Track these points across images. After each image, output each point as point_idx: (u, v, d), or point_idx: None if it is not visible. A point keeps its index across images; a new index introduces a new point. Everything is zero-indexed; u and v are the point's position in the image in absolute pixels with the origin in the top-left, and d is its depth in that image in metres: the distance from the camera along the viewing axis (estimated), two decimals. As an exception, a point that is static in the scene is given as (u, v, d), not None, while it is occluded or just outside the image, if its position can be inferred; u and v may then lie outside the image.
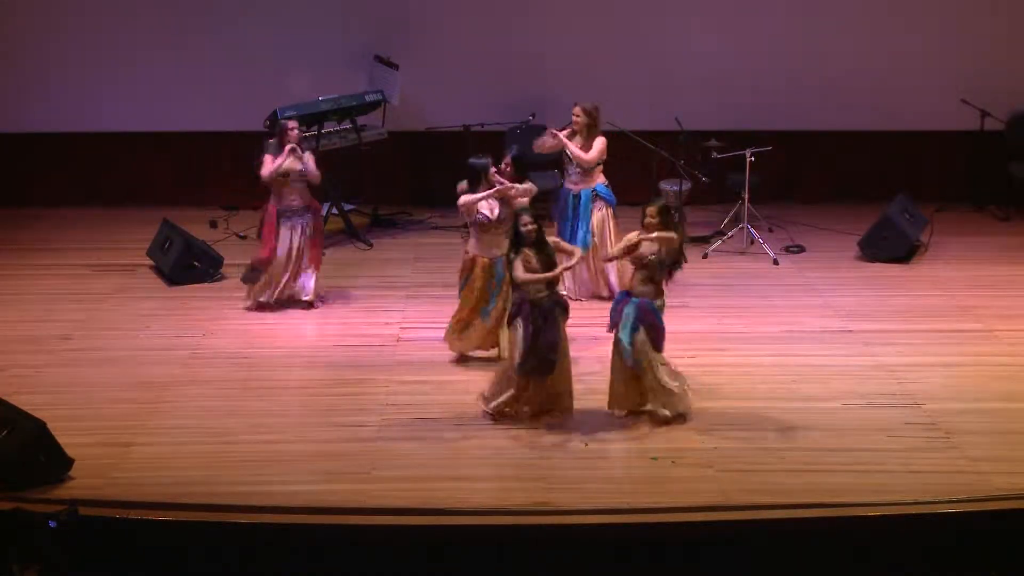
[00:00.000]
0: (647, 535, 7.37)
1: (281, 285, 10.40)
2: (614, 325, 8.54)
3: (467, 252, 9.43)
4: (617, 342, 8.48)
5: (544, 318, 8.36)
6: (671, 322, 10.25)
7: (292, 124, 10.44)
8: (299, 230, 10.36)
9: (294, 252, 10.36)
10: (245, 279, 10.54)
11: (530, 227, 8.38)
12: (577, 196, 10.65)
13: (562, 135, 10.55)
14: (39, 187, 13.39)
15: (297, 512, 7.47)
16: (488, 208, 9.26)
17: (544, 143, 10.66)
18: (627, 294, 8.59)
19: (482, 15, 13.10)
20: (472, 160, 9.41)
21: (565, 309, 8.53)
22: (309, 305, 10.47)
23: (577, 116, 10.57)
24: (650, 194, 12.01)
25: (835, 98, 13.10)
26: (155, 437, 8.38)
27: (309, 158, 10.36)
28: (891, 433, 8.41)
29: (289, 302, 10.47)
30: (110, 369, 9.42)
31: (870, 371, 9.31)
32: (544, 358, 8.37)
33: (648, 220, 8.44)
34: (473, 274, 9.30)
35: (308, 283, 10.48)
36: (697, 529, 7.40)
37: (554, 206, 10.90)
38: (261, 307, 10.45)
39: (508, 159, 9.69)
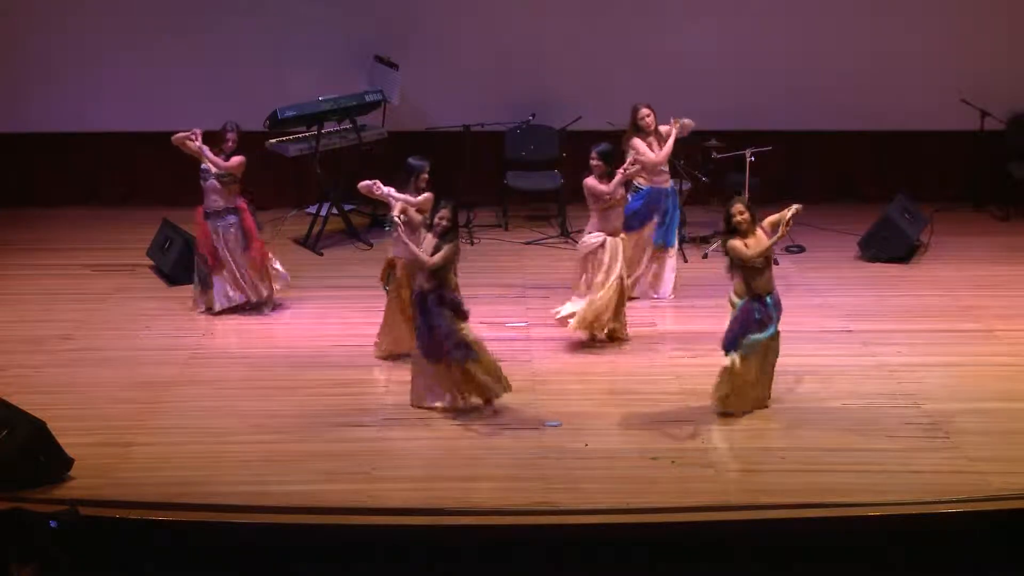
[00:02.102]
0: (647, 535, 7.37)
1: (224, 289, 10.32)
2: (761, 328, 8.49)
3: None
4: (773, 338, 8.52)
5: (431, 311, 8.48)
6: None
7: (229, 134, 10.25)
8: (223, 233, 10.26)
9: (226, 255, 10.28)
10: (200, 283, 10.45)
11: (445, 222, 8.46)
12: (669, 193, 10.72)
13: (649, 153, 10.50)
14: (39, 187, 13.39)
15: (297, 512, 7.47)
16: (399, 211, 9.13)
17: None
18: (755, 300, 8.50)
19: (482, 15, 13.10)
20: (412, 160, 9.36)
21: (456, 310, 8.54)
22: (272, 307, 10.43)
23: (649, 116, 10.57)
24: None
25: (835, 98, 13.10)
26: (155, 437, 8.38)
27: (233, 161, 10.21)
28: (891, 433, 8.41)
29: (248, 307, 10.40)
30: (110, 369, 9.42)
31: (870, 371, 9.31)
32: (440, 344, 8.50)
33: (740, 219, 8.39)
34: (396, 276, 9.34)
35: (258, 286, 10.40)
36: (697, 529, 7.40)
37: (639, 206, 10.72)
38: (210, 312, 10.37)
39: (595, 155, 9.71)
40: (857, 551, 7.44)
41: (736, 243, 8.39)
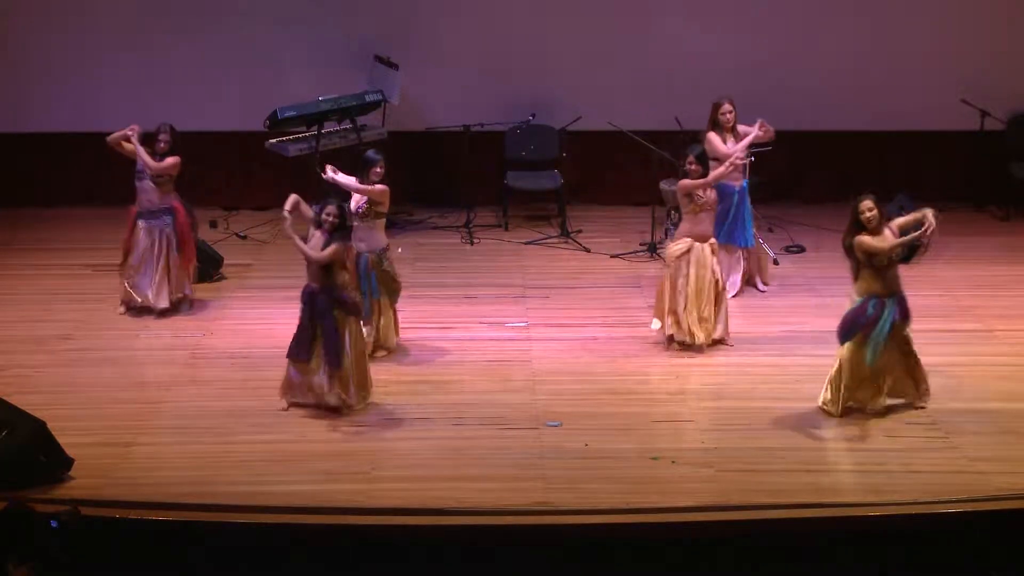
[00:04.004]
0: (647, 535, 7.37)
1: (135, 288, 10.33)
2: (862, 330, 8.48)
3: None
4: (876, 344, 8.48)
5: (320, 310, 8.53)
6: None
7: (161, 135, 10.26)
8: (157, 233, 10.30)
9: (152, 255, 10.28)
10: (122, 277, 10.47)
11: (332, 218, 8.52)
12: (737, 191, 10.65)
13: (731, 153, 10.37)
14: (39, 187, 13.38)
15: (297, 512, 7.47)
16: (355, 202, 9.36)
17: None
18: (874, 298, 8.51)
19: (482, 15, 13.09)
20: (369, 153, 9.53)
21: (347, 308, 8.62)
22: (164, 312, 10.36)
23: (730, 112, 10.57)
24: (650, 194, 12.09)
25: (835, 98, 13.09)
26: (155, 437, 8.39)
27: (167, 162, 10.24)
28: (891, 433, 8.42)
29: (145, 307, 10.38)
30: (110, 369, 9.43)
31: (870, 371, 9.31)
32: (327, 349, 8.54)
33: (868, 215, 8.39)
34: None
35: (185, 285, 10.44)
36: (697, 529, 7.41)
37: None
38: (130, 309, 10.38)
39: (692, 158, 9.66)
40: (857, 551, 7.44)
41: (864, 237, 8.34)
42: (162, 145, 10.26)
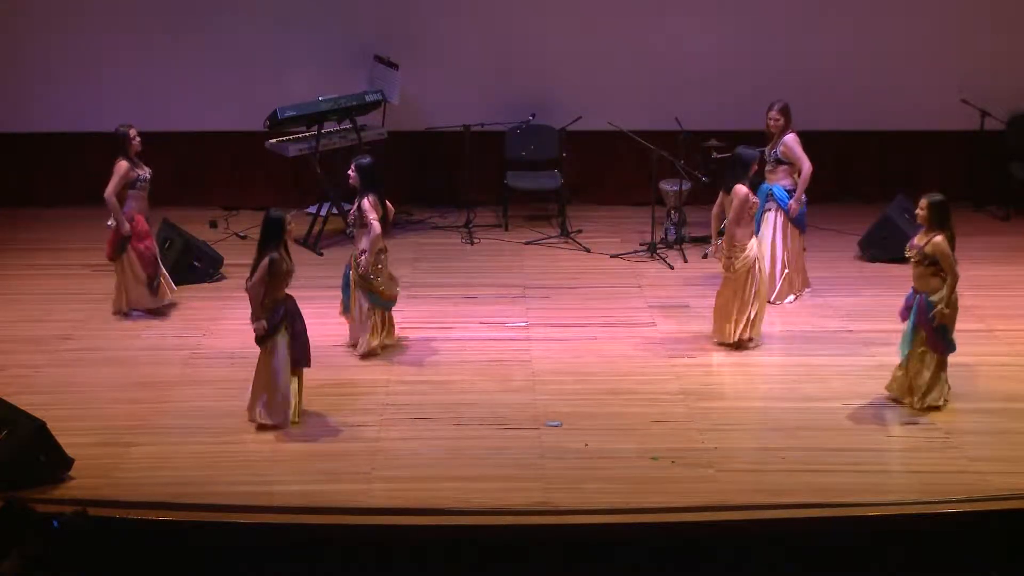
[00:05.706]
0: (647, 535, 7.38)
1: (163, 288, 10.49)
2: (907, 319, 8.68)
3: None
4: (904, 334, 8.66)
5: (296, 314, 8.59)
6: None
7: (134, 133, 10.17)
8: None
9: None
10: (152, 288, 10.43)
11: (291, 227, 8.59)
12: (765, 191, 10.60)
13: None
14: (39, 187, 13.39)
15: (297, 512, 7.48)
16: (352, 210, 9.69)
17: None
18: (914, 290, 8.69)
19: (482, 15, 13.10)
20: (360, 160, 9.70)
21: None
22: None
23: (775, 120, 10.54)
24: (650, 194, 12.10)
25: (835, 98, 13.09)
26: (155, 437, 8.39)
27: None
28: (891, 433, 8.42)
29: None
30: (110, 369, 9.43)
31: (870, 371, 9.31)
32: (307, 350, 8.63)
33: (918, 211, 8.54)
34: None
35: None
36: (697, 529, 7.41)
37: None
38: (157, 311, 10.43)
39: (755, 163, 9.80)
40: (857, 551, 7.44)
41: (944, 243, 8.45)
42: (137, 140, 10.19)
